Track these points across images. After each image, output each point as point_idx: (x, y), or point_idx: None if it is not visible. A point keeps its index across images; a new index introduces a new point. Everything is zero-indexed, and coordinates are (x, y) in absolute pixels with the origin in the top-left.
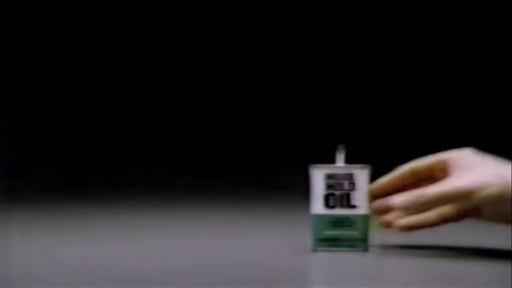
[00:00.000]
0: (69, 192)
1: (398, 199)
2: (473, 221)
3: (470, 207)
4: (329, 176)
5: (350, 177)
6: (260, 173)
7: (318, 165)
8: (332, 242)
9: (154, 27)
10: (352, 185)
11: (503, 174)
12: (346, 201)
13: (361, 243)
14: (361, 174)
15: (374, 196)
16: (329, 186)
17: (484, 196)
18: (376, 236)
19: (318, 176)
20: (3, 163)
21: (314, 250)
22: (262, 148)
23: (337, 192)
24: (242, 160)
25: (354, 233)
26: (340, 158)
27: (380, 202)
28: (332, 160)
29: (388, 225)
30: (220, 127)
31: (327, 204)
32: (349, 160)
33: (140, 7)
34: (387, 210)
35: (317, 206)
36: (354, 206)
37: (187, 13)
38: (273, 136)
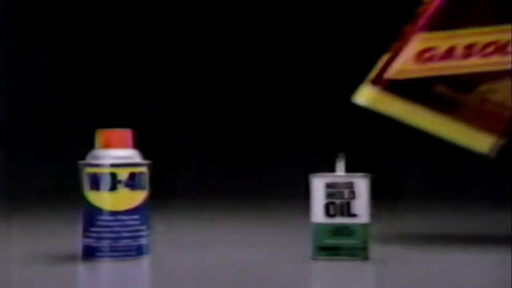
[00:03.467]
0: (67, 195)
1: None
2: (472, 226)
3: None
4: (329, 185)
5: (350, 186)
6: (261, 181)
7: (319, 174)
8: (332, 251)
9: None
10: (352, 194)
11: None
12: (346, 209)
13: (361, 252)
14: (361, 183)
15: None
16: (329, 195)
17: None
18: (376, 245)
19: (319, 185)
20: (4, 165)
21: (314, 259)
22: (263, 156)
23: (337, 201)
24: (243, 168)
25: (354, 242)
26: (340, 167)
27: None
28: (332, 169)
29: None
30: (221, 134)
31: (328, 213)
32: (349, 168)
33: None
34: None
35: (318, 215)
36: (354, 215)
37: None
38: (274, 144)
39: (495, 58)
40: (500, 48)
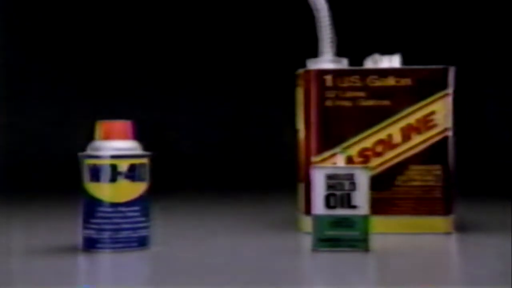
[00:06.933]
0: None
1: None
2: (472, 226)
3: None
4: (330, 177)
5: (350, 178)
6: (262, 172)
7: (319, 166)
8: (332, 242)
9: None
10: (353, 185)
11: None
12: (346, 201)
13: (361, 244)
14: (361, 175)
15: None
16: (329, 187)
17: None
18: (377, 236)
19: (319, 177)
20: (4, 160)
21: (315, 250)
22: (264, 146)
23: (337, 193)
24: (243, 158)
25: (354, 234)
26: (341, 158)
27: None
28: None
29: None
30: (222, 127)
31: (328, 205)
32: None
33: None
34: None
35: (318, 206)
36: (354, 207)
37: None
38: (276, 136)
39: None
40: None
